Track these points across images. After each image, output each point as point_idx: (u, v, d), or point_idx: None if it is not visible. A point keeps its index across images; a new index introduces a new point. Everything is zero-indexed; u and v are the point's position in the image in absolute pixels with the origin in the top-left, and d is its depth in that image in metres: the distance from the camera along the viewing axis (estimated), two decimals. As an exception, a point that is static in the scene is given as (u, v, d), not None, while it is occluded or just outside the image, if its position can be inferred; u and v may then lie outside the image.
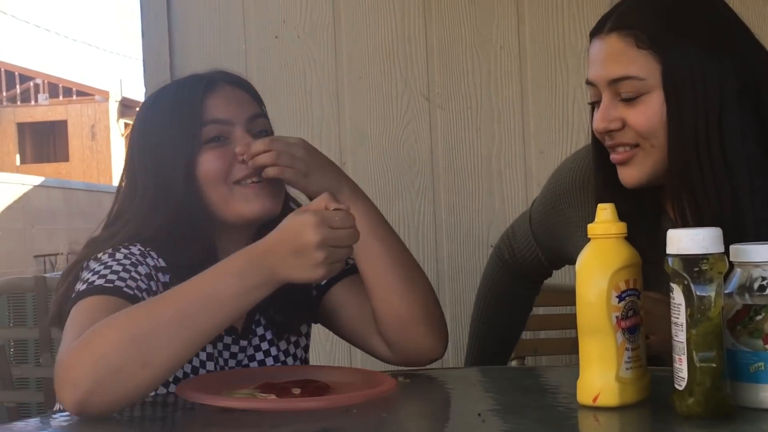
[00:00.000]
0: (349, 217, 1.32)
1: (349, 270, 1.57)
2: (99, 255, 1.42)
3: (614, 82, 1.47)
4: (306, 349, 1.60)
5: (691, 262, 1.12)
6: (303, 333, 1.59)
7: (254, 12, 2.72)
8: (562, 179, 1.74)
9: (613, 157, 1.50)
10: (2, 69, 22.76)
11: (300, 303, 1.56)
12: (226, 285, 1.28)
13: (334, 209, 1.32)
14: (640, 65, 1.45)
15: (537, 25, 2.64)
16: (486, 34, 2.65)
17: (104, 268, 1.38)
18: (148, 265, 1.42)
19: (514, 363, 2.31)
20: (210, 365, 1.47)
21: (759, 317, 1.14)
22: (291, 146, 1.47)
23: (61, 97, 22.48)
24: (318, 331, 1.68)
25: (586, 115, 2.62)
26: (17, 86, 22.61)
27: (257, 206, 1.48)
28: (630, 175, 1.50)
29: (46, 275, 1.95)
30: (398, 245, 1.53)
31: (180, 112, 1.50)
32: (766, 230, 1.42)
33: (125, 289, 1.35)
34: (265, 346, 1.54)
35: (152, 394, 1.39)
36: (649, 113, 1.45)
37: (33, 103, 22.51)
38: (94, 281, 1.35)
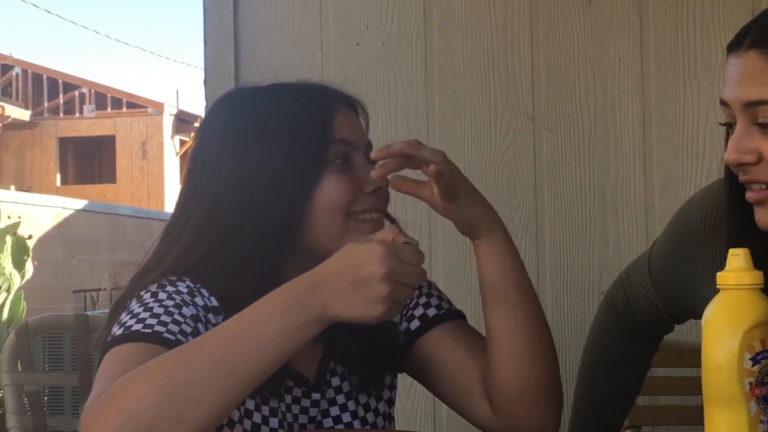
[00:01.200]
0: (419, 253, 1.31)
1: (449, 314, 1.58)
2: (141, 293, 1.42)
3: (751, 106, 1.44)
4: (390, 403, 1.58)
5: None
6: (386, 384, 1.59)
7: (333, 16, 2.76)
8: (690, 219, 1.72)
9: (749, 195, 1.49)
10: (44, 76, 23.21)
11: (386, 350, 1.56)
12: (267, 325, 1.27)
13: (403, 242, 1.32)
14: None
15: (664, 36, 2.64)
16: (603, 47, 2.65)
17: (144, 310, 1.38)
18: (196, 305, 1.42)
19: (628, 433, 2.29)
20: (274, 422, 1.46)
21: None
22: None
23: (109, 109, 22.80)
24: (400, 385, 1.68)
25: (720, 142, 2.61)
26: (60, 96, 23.01)
27: None
28: (765, 219, 1.49)
29: (88, 313, 1.99)
30: (536, 303, 1.52)
31: (306, 123, 1.49)
32: None
33: (165, 334, 1.34)
34: (341, 399, 1.53)
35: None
36: None
37: (77, 115, 22.88)
38: (131, 326, 1.35)
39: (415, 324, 1.57)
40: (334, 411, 1.52)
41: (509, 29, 2.69)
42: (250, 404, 1.44)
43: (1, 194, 12.13)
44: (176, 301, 1.40)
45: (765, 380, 1.18)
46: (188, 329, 1.37)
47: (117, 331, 1.36)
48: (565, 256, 2.65)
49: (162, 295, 1.40)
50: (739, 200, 1.52)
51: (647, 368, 1.95)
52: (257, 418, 1.45)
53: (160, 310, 1.38)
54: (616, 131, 2.65)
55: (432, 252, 2.57)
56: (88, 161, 22.93)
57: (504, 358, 1.48)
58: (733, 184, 1.54)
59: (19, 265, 8.02)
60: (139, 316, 1.37)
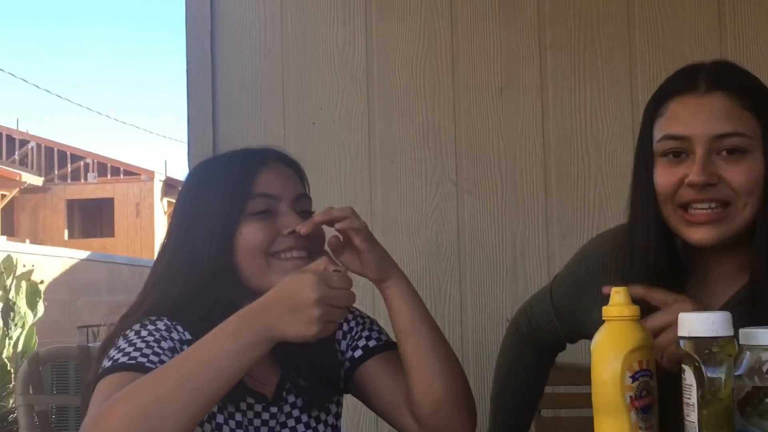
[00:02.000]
0: (347, 279, 1.33)
1: (384, 346, 1.57)
2: (127, 332, 1.41)
3: (719, 138, 1.46)
4: (337, 416, 1.58)
5: (701, 344, 1.12)
6: (334, 401, 1.58)
7: (293, 99, 2.77)
8: (589, 258, 1.74)
9: (696, 215, 1.47)
10: (55, 149, 23.07)
11: (328, 378, 1.55)
12: (221, 347, 1.27)
13: (333, 270, 1.33)
14: (746, 124, 1.46)
15: (561, 118, 2.66)
16: (512, 125, 2.67)
17: (128, 345, 1.37)
18: (173, 339, 1.40)
19: (535, 440, 2.29)
20: None
21: (768, 400, 1.13)
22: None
23: (108, 176, 22.68)
24: (346, 402, 1.67)
25: (607, 202, 2.65)
26: (68, 165, 22.88)
27: None
28: (710, 236, 1.47)
29: (89, 345, 1.97)
30: (438, 330, 1.52)
31: (229, 182, 1.49)
32: None
33: (147, 363, 1.33)
34: (296, 413, 1.52)
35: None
36: (751, 171, 1.45)
37: (82, 181, 22.74)
38: (118, 359, 1.35)
39: (358, 353, 1.56)
40: (291, 423, 1.51)
41: (437, 110, 2.71)
42: (220, 419, 1.43)
43: (18, 246, 12.01)
44: (155, 336, 1.39)
45: (642, 394, 1.19)
46: (166, 359, 1.36)
47: (107, 363, 1.36)
48: (483, 294, 2.66)
49: (144, 333, 1.39)
50: (660, 227, 1.52)
51: (546, 378, 1.95)
52: (226, 430, 1.44)
53: (142, 345, 1.37)
54: (523, 193, 2.67)
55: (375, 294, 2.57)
56: (91, 219, 22.70)
57: (420, 377, 1.47)
58: (657, 214, 1.53)
59: (32, 305, 7.94)
60: (125, 350, 1.36)
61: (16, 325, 7.63)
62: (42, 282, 8.51)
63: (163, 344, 1.38)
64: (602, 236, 1.77)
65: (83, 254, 14.33)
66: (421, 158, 2.71)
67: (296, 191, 1.53)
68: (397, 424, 1.53)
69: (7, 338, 7.48)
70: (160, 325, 1.42)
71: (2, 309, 7.58)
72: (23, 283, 7.94)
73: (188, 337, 1.43)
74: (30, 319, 7.81)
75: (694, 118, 1.48)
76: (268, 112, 2.77)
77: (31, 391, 1.81)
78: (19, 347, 7.52)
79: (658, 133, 1.53)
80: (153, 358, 1.35)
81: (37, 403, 1.79)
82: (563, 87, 2.66)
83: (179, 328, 1.43)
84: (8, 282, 7.82)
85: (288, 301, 1.28)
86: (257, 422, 1.48)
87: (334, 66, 2.75)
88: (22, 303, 7.76)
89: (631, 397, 1.18)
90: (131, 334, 1.40)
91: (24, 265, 8.50)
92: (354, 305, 1.57)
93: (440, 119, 2.71)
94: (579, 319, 1.73)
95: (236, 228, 1.47)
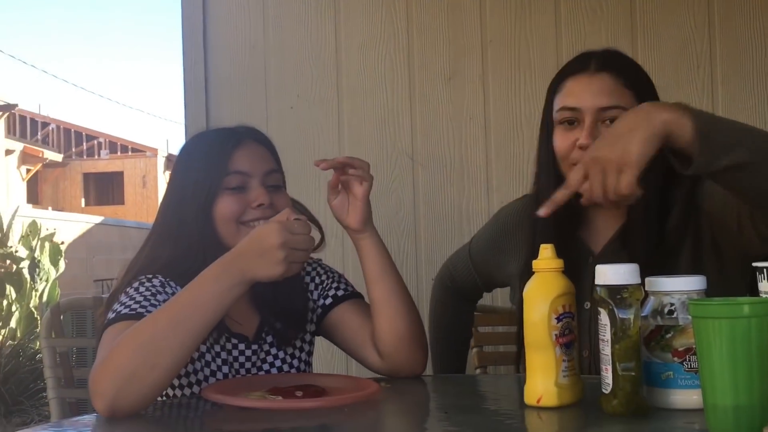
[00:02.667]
0: (306, 225, 1.33)
1: (351, 295, 1.58)
2: (127, 289, 1.41)
3: (604, 110, 1.50)
4: (309, 354, 1.59)
5: (614, 291, 1.13)
6: (306, 341, 1.58)
7: (274, 88, 2.75)
8: (503, 219, 1.78)
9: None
10: (72, 130, 22.77)
11: (298, 319, 1.56)
12: (205, 290, 1.28)
13: (294, 219, 1.33)
14: (626, 99, 1.51)
15: (500, 102, 2.67)
16: (458, 109, 2.67)
17: (128, 299, 1.37)
18: (167, 293, 1.40)
19: (478, 371, 2.31)
20: (225, 368, 1.46)
21: (669, 335, 1.15)
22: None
23: (119, 153, 22.49)
24: (321, 343, 1.68)
25: (537, 173, 2.65)
26: (84, 144, 22.63)
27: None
28: None
29: (103, 296, 1.95)
30: (401, 278, 1.53)
31: (210, 161, 1.49)
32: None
33: (145, 313, 1.33)
34: (273, 351, 1.53)
35: (179, 395, 1.40)
36: None
37: (96, 157, 22.50)
38: (120, 310, 1.35)
39: (329, 301, 1.57)
40: (269, 359, 1.52)
41: (396, 95, 2.70)
42: (208, 357, 1.43)
43: (42, 213, 11.87)
44: (152, 291, 1.39)
45: (565, 333, 1.20)
46: None
47: (111, 315, 1.36)
48: (434, 251, 2.67)
49: (141, 288, 1.39)
50: (556, 184, 1.52)
51: (470, 320, 2.00)
52: (213, 366, 1.44)
53: (141, 298, 1.37)
54: (468, 166, 2.68)
55: (345, 253, 2.57)
56: (104, 189, 22.46)
57: (386, 317, 1.48)
58: (557, 174, 1.57)
59: (54, 262, 7.87)
60: (126, 303, 1.36)
61: (41, 279, 7.57)
62: (63, 243, 8.42)
63: (159, 297, 1.38)
64: (514, 203, 1.81)
65: (98, 219, 14.19)
66: (382, 137, 2.70)
67: (267, 167, 1.53)
68: (363, 359, 1.54)
69: (33, 291, 7.42)
70: (156, 282, 1.42)
71: (29, 266, 7.53)
72: (46, 244, 7.87)
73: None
74: (53, 274, 7.75)
75: (585, 93, 1.52)
76: (252, 98, 2.75)
77: (53, 335, 1.79)
78: (44, 298, 7.47)
79: (556, 105, 1.57)
80: (150, 309, 1.35)
81: (58, 345, 1.77)
82: (501, 77, 2.66)
83: (172, 284, 1.43)
84: (33, 243, 7.75)
85: (257, 247, 1.30)
86: (241, 359, 1.49)
87: (308, 59, 2.73)
88: (45, 261, 7.70)
89: (556, 335, 1.19)
90: (131, 290, 1.40)
91: (47, 229, 8.41)
92: (325, 262, 1.57)
93: (398, 104, 2.70)
94: (493, 271, 1.77)
95: (215, 199, 1.47)
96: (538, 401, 1.19)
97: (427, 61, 2.69)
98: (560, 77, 1.59)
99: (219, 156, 1.49)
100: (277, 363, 1.53)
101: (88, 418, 1.30)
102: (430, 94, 2.69)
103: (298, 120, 2.73)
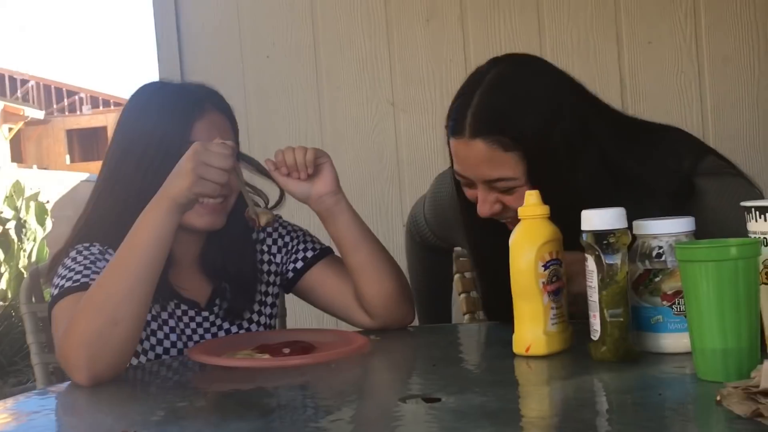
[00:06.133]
0: (226, 146, 1.29)
1: (322, 253, 1.54)
2: (65, 260, 1.37)
3: (489, 182, 1.36)
4: (271, 317, 1.54)
5: (600, 236, 1.11)
6: (268, 304, 1.53)
7: (249, 37, 2.69)
8: (441, 197, 1.69)
9: (510, 226, 1.32)
10: (52, 86, 22.51)
11: (246, 290, 1.50)
12: (139, 229, 1.26)
13: (218, 142, 1.30)
14: (510, 166, 1.33)
15: (479, 44, 2.62)
16: (438, 52, 2.62)
17: (68, 271, 1.34)
18: (106, 260, 1.36)
19: (466, 317, 2.29)
20: (173, 336, 1.41)
21: (657, 279, 1.13)
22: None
23: (101, 108, 22.27)
24: (291, 300, 1.64)
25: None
26: (65, 100, 22.39)
27: (206, 221, 1.41)
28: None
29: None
30: (377, 240, 1.48)
31: (167, 128, 1.41)
32: None
33: (89, 282, 1.30)
34: (229, 317, 1.48)
35: (166, 357, 1.38)
36: (522, 198, 1.24)
37: (78, 113, 22.29)
38: (63, 285, 1.32)
39: (299, 264, 1.53)
40: (225, 325, 1.48)
41: (373, 41, 2.64)
42: (154, 326, 1.39)
43: (26, 172, 11.77)
44: (90, 259, 1.35)
45: (553, 280, 1.18)
46: None
47: (54, 292, 1.32)
48: (418, 197, 2.64)
49: (79, 258, 1.35)
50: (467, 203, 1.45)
51: (448, 267, 1.92)
52: (160, 335, 1.41)
53: (81, 267, 1.33)
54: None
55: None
56: (88, 145, 22.29)
57: (372, 280, 1.44)
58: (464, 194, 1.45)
59: (41, 222, 7.83)
60: (67, 276, 1.32)
61: (28, 239, 7.54)
62: (48, 201, 8.36)
63: (99, 264, 1.35)
64: (443, 180, 1.69)
65: (83, 176, 14.06)
66: (361, 84, 2.65)
67: (225, 138, 1.42)
68: (351, 319, 1.50)
69: (21, 251, 7.39)
70: (93, 249, 1.38)
71: (15, 226, 7.48)
72: (32, 204, 7.82)
73: None
74: (40, 234, 7.70)
75: (465, 163, 1.38)
76: (227, 48, 2.68)
77: (33, 301, 1.75)
78: (33, 258, 7.44)
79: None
80: (93, 276, 1.31)
81: (39, 310, 1.74)
82: (480, 17, 2.60)
83: (111, 251, 1.38)
84: (18, 203, 7.70)
85: (175, 169, 1.27)
86: (193, 325, 1.45)
87: (282, 5, 2.66)
88: (31, 220, 7.65)
89: (543, 282, 1.17)
90: (68, 261, 1.36)
91: (32, 188, 8.33)
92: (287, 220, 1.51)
93: (376, 48, 2.64)
94: (450, 235, 1.71)
95: (169, 168, 1.32)
96: (527, 350, 1.18)
97: (404, 3, 2.63)
98: (448, 131, 1.43)
99: (179, 124, 1.40)
100: (233, 330, 1.48)
101: (73, 384, 1.28)
102: (408, 37, 2.63)
103: (275, 69, 2.67)
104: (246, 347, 1.34)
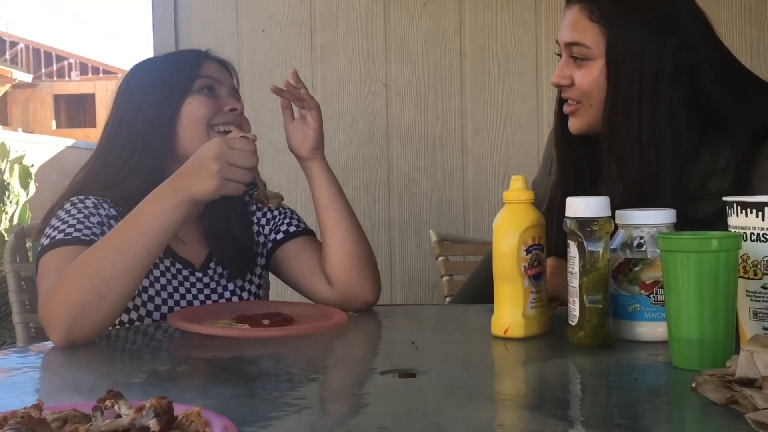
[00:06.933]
0: (250, 143, 1.29)
1: (303, 231, 1.57)
2: (58, 212, 1.37)
3: (569, 46, 1.45)
4: (259, 287, 1.57)
5: (584, 223, 1.12)
6: (256, 274, 1.56)
7: (245, 9, 2.68)
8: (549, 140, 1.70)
9: (565, 107, 1.49)
10: (41, 50, 22.28)
11: (248, 255, 1.53)
12: (148, 213, 1.24)
13: (240, 136, 1.29)
14: (589, 35, 1.42)
15: (475, 28, 2.62)
16: (433, 34, 2.63)
17: (61, 223, 1.33)
18: (100, 214, 1.37)
19: (447, 300, 2.31)
20: (164, 294, 1.43)
21: (636, 268, 1.15)
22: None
23: (90, 74, 22.09)
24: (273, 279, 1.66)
25: (514, 102, 2.63)
26: (54, 65, 22.17)
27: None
28: (574, 125, 1.48)
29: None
30: (349, 205, 1.51)
31: (177, 67, 1.47)
32: (677, 196, 1.37)
33: (82, 237, 1.30)
34: (223, 281, 1.50)
35: (146, 323, 1.39)
36: (590, 77, 1.43)
37: (67, 79, 22.09)
38: (54, 236, 1.31)
39: (280, 236, 1.56)
40: (219, 290, 1.50)
41: (370, 20, 2.65)
42: (146, 282, 1.40)
43: (12, 135, 11.69)
44: (84, 213, 1.35)
45: (534, 264, 1.20)
46: (98, 231, 1.33)
47: (45, 241, 1.32)
48: (406, 177, 2.66)
49: (73, 211, 1.36)
50: (563, 112, 1.51)
51: None
52: (152, 292, 1.41)
53: (74, 221, 1.33)
54: (443, 92, 2.65)
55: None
56: (75, 112, 22.13)
57: (335, 240, 1.47)
58: (560, 100, 1.52)
59: (24, 185, 7.78)
60: (59, 228, 1.32)
61: (11, 202, 7.50)
62: (32, 165, 8.30)
63: (92, 219, 1.35)
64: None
65: (69, 142, 13.97)
66: (355, 62, 2.66)
67: (232, 84, 1.53)
68: (312, 291, 1.52)
69: (3, 213, 7.35)
70: (88, 203, 1.38)
71: (-2, 188, 7.43)
72: (16, 166, 7.76)
73: (114, 212, 1.40)
74: (23, 197, 7.66)
75: (561, 29, 1.48)
76: (223, 20, 2.68)
77: (17, 260, 1.76)
78: (15, 221, 7.41)
79: None
80: (86, 231, 1.32)
81: (23, 269, 1.74)
82: (478, 3, 2.61)
83: (105, 205, 1.39)
84: (2, 165, 7.64)
85: (195, 163, 1.26)
86: (187, 284, 1.46)
87: (280, -20, 2.66)
88: (15, 183, 7.61)
89: (524, 266, 1.19)
90: (62, 213, 1.36)
91: (16, 151, 8.28)
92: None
93: (372, 29, 2.64)
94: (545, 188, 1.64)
95: (184, 99, 1.44)
96: (505, 332, 1.19)
97: (403, -15, 2.63)
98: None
99: (188, 64, 1.47)
100: (226, 294, 1.50)
101: (52, 344, 1.29)
102: (405, 19, 2.64)
103: (270, 44, 2.67)
104: (226, 317, 1.35)
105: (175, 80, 1.45)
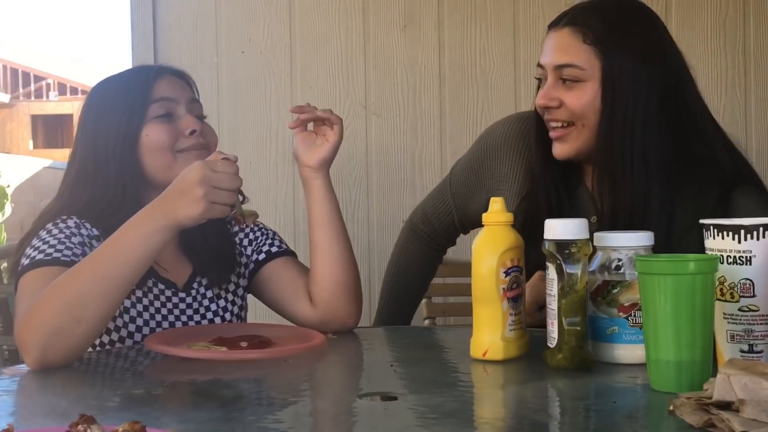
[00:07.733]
0: (232, 164, 1.27)
1: (285, 252, 1.56)
2: (40, 232, 1.36)
3: (559, 68, 1.45)
4: (242, 308, 1.55)
5: (562, 246, 1.13)
6: (239, 296, 1.55)
7: (225, 31, 2.68)
8: (495, 137, 1.66)
9: (552, 133, 1.49)
10: (20, 70, 22.19)
11: (227, 262, 1.52)
12: (128, 237, 1.23)
13: (222, 158, 1.27)
14: (583, 57, 1.44)
15: (454, 52, 2.64)
16: (413, 57, 2.64)
17: (42, 243, 1.32)
18: (82, 234, 1.36)
19: (427, 322, 2.31)
20: (146, 315, 1.41)
21: (615, 291, 1.15)
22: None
23: (68, 95, 22.01)
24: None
25: (490, 121, 2.64)
26: (32, 84, 22.10)
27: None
28: (562, 150, 1.48)
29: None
30: (344, 226, 1.51)
31: (131, 91, 1.44)
32: (664, 220, 1.41)
33: (62, 258, 1.29)
34: (206, 302, 1.49)
35: (123, 345, 1.37)
36: (584, 98, 1.44)
37: (45, 99, 22.01)
38: (35, 256, 1.30)
39: (262, 256, 1.55)
40: (201, 310, 1.48)
41: (349, 43, 2.66)
42: (128, 303, 1.39)
43: (-13, 155, 11.58)
44: (66, 233, 1.34)
45: (513, 286, 1.20)
46: (78, 252, 1.32)
47: (25, 261, 1.30)
48: (385, 201, 2.66)
49: (55, 231, 1.34)
50: (542, 136, 1.51)
51: (434, 274, 1.92)
52: (133, 312, 1.39)
53: (55, 242, 1.32)
54: (422, 115, 2.65)
55: (296, 226, 2.54)
56: (53, 132, 22.00)
57: (325, 260, 1.46)
58: (539, 125, 1.52)
59: (0, 206, 7.71)
60: (40, 248, 1.31)
61: (-14, 223, 7.43)
62: (8, 186, 8.23)
63: (74, 239, 1.34)
64: (508, 119, 1.70)
65: (46, 162, 13.85)
66: (335, 85, 2.66)
67: (189, 95, 1.50)
68: (294, 312, 1.51)
69: (-22, 235, 7.27)
70: (70, 223, 1.37)
71: (-27, 209, 7.36)
72: (-8, 188, 7.70)
73: (96, 233, 1.39)
74: (-1, 218, 7.60)
75: (547, 49, 1.48)
76: (202, 42, 2.67)
77: (-8, 283, 1.74)
78: (-11, 243, 7.34)
79: None
80: (66, 252, 1.31)
81: (-3, 293, 1.73)
82: (457, 26, 2.63)
83: (87, 225, 1.38)
84: (-22, 186, 7.58)
85: (178, 187, 1.24)
86: (169, 305, 1.45)
87: (260, 1, 2.67)
88: (-9, 205, 7.54)
89: (503, 288, 1.19)
90: (43, 233, 1.35)
91: (-8, 172, 8.21)
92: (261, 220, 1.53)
93: (352, 51, 2.65)
94: (477, 199, 1.65)
95: (140, 130, 1.41)
96: (484, 354, 1.19)
97: (382, 8, 2.64)
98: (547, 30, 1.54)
99: (140, 87, 1.44)
100: (209, 315, 1.49)
101: (27, 367, 1.27)
102: (384, 41, 2.65)
103: (250, 65, 2.67)
104: (203, 339, 1.34)
105: (130, 109, 1.42)
